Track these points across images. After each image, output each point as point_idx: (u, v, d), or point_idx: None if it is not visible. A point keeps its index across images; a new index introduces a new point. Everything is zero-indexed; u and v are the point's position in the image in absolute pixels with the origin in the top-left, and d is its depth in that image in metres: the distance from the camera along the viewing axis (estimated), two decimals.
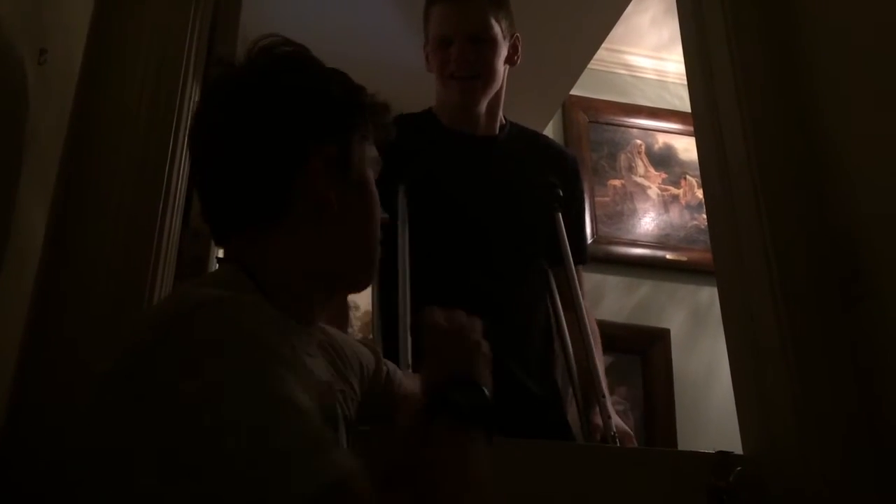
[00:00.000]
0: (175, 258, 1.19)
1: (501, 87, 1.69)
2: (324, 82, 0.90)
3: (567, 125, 3.33)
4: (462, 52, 1.59)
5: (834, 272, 1.23)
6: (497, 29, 1.62)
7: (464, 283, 1.52)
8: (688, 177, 3.40)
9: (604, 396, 1.49)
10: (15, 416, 0.95)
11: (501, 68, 1.66)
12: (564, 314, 1.67)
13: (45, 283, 1.03)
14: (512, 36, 1.67)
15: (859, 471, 1.11)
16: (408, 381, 1.10)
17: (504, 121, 1.74)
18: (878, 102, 1.21)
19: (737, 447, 1.24)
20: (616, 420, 1.49)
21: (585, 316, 1.59)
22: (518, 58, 1.70)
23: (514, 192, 1.66)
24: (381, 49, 2.69)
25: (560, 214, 1.65)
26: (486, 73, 1.62)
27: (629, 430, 1.52)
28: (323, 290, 0.88)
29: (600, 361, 1.58)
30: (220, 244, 0.90)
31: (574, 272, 1.63)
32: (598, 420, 1.48)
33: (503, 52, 1.65)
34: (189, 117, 1.21)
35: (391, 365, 1.10)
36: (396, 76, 2.85)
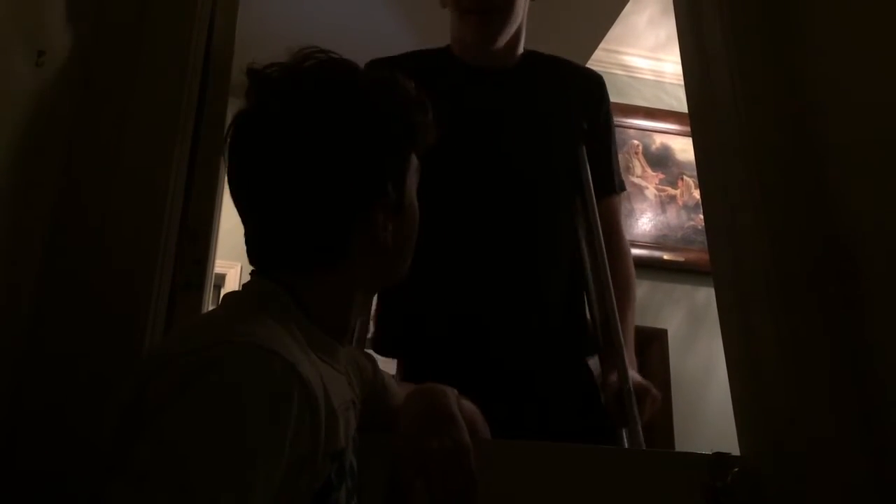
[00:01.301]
0: (173, 260, 1.19)
1: (522, 23, 1.58)
2: (386, 120, 0.88)
3: None
4: None
5: (831, 273, 1.23)
6: None
7: (475, 228, 1.44)
8: (685, 177, 3.40)
9: (621, 348, 1.40)
10: (11, 422, 0.96)
11: (522, 2, 1.55)
12: (589, 257, 1.54)
13: (44, 286, 1.03)
14: None
15: (856, 471, 1.12)
16: (402, 391, 1.10)
17: (522, 51, 1.62)
18: (878, 103, 1.21)
19: (734, 447, 1.24)
20: (633, 374, 1.39)
21: (605, 257, 1.48)
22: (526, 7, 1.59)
23: (533, 126, 1.55)
24: (377, 51, 2.69)
25: (583, 146, 1.55)
26: (506, 7, 1.51)
27: (646, 383, 1.41)
28: (364, 306, 0.92)
29: (628, 311, 1.49)
30: (260, 269, 0.88)
31: (593, 205, 1.52)
32: (614, 375, 1.41)
33: None
34: (187, 117, 1.21)
35: (386, 375, 1.09)
36: None
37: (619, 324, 1.44)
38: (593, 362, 1.55)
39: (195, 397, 0.65)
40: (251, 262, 0.89)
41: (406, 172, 0.90)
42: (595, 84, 1.69)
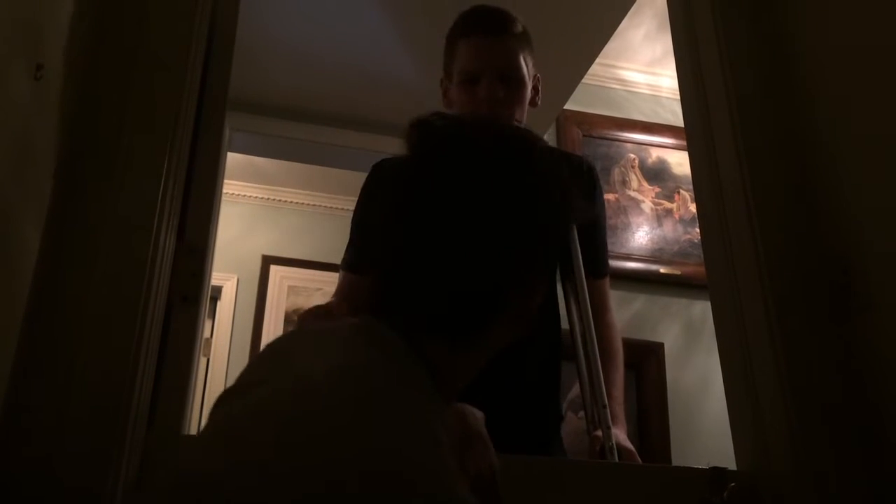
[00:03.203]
0: (169, 274, 1.19)
1: (525, 114, 1.65)
2: (562, 207, 0.87)
3: (561, 139, 3.34)
4: (492, 90, 1.54)
5: (827, 285, 1.23)
6: (525, 69, 1.58)
7: None
8: (681, 191, 3.41)
9: (604, 407, 1.46)
10: (6, 429, 0.95)
11: (526, 109, 1.62)
12: (578, 325, 1.64)
13: (40, 298, 1.02)
14: (534, 77, 1.64)
15: (854, 485, 1.11)
16: None
17: None
18: (874, 115, 1.21)
19: (731, 461, 1.23)
20: (620, 435, 1.47)
21: (592, 325, 1.56)
22: (539, 99, 1.66)
23: None
24: (374, 59, 2.70)
25: (575, 230, 1.61)
26: (514, 113, 1.59)
27: (632, 448, 1.49)
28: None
29: (615, 374, 1.57)
30: (388, 319, 0.81)
31: (583, 285, 1.60)
32: (599, 432, 1.47)
33: (528, 93, 1.61)
34: (185, 126, 1.21)
35: None
36: (389, 86, 2.86)
37: (602, 383, 1.52)
38: (580, 421, 1.68)
39: None
40: (379, 310, 0.82)
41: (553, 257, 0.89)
42: (587, 171, 1.76)
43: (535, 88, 1.65)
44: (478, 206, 0.80)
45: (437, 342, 0.79)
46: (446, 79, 1.66)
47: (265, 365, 0.82)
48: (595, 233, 1.70)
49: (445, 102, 1.68)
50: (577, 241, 1.62)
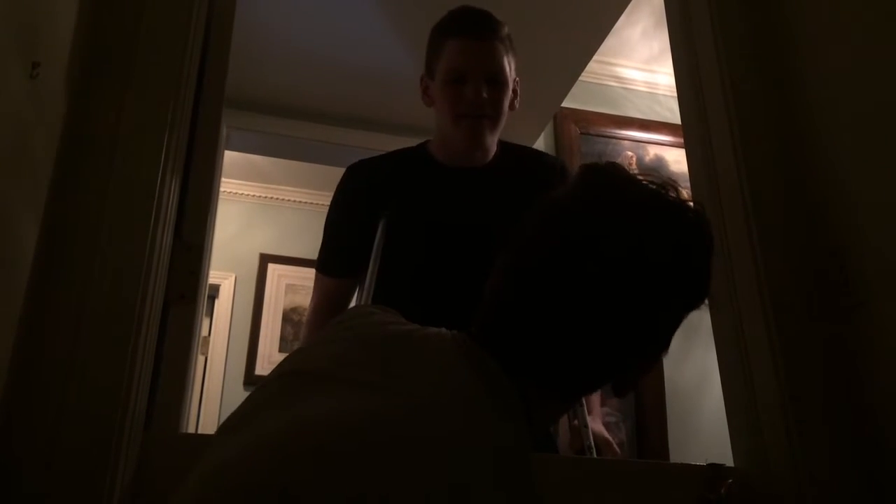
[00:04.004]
0: (167, 272, 1.19)
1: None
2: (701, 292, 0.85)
3: (559, 137, 3.34)
4: (477, 92, 1.57)
5: (824, 283, 1.24)
6: (508, 71, 1.61)
7: (442, 310, 1.52)
8: (678, 188, 3.41)
9: (581, 406, 1.48)
10: (3, 428, 0.95)
11: (506, 111, 1.65)
12: None
13: (37, 297, 1.02)
14: (514, 80, 1.66)
15: (850, 483, 1.12)
16: None
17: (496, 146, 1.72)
18: (872, 111, 1.21)
19: (728, 458, 1.24)
20: (596, 427, 1.48)
21: None
22: (518, 103, 1.69)
23: (502, 220, 1.64)
24: (372, 57, 2.70)
25: None
26: (498, 115, 1.62)
27: (609, 438, 1.51)
28: None
29: None
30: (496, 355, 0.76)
31: None
32: (576, 422, 1.49)
33: (510, 95, 1.64)
34: (182, 124, 1.21)
35: None
36: (387, 84, 2.86)
37: None
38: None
39: None
40: (488, 337, 0.77)
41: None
42: (559, 171, 1.76)
43: (514, 91, 1.67)
44: (640, 283, 0.76)
45: (542, 392, 0.76)
46: (427, 76, 1.68)
47: (357, 357, 0.77)
48: None
49: (426, 100, 1.70)
50: None
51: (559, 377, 0.77)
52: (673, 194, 0.81)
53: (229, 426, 0.73)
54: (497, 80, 1.59)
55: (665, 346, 0.82)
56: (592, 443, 1.43)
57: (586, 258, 0.76)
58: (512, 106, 1.67)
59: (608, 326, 0.76)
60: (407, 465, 0.60)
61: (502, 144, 1.74)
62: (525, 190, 1.68)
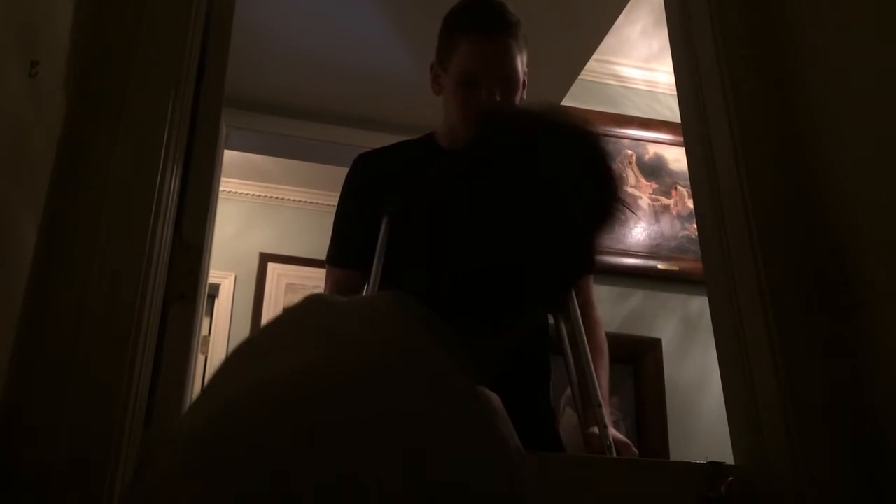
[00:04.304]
0: (167, 271, 1.19)
1: None
2: (612, 218, 0.87)
3: None
4: (491, 97, 1.55)
5: (824, 283, 1.24)
6: (521, 70, 1.60)
7: None
8: (678, 187, 3.41)
9: (599, 406, 1.47)
10: (3, 429, 0.95)
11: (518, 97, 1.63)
12: (565, 324, 1.65)
13: (36, 297, 1.02)
14: (524, 72, 1.64)
15: (849, 482, 1.12)
16: None
17: None
18: (872, 109, 1.21)
19: (728, 456, 1.24)
20: (613, 430, 1.47)
21: (581, 324, 1.57)
22: (524, 95, 1.67)
23: None
24: (371, 56, 2.70)
25: None
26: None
27: (626, 440, 1.50)
28: None
29: (603, 371, 1.58)
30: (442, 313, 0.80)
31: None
32: (595, 430, 1.47)
33: (521, 93, 1.63)
34: (181, 123, 1.21)
35: None
36: (386, 83, 2.86)
37: (596, 382, 1.52)
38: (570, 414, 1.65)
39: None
40: (414, 290, 0.81)
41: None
42: None
43: (523, 83, 1.65)
44: (519, 187, 0.81)
45: (470, 324, 0.79)
46: (438, 65, 1.65)
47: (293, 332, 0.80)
48: None
49: (435, 88, 1.68)
50: None
51: (484, 307, 0.80)
52: (562, 116, 0.87)
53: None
54: (510, 82, 1.57)
55: (579, 259, 0.85)
56: (612, 442, 1.42)
57: (477, 186, 0.82)
58: (520, 97, 1.65)
59: (499, 231, 0.80)
60: (352, 399, 0.64)
61: None
62: None
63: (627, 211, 0.88)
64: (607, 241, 1.07)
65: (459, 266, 0.81)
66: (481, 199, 0.81)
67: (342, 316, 0.79)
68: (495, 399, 0.81)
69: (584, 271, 0.85)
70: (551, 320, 1.66)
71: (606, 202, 0.86)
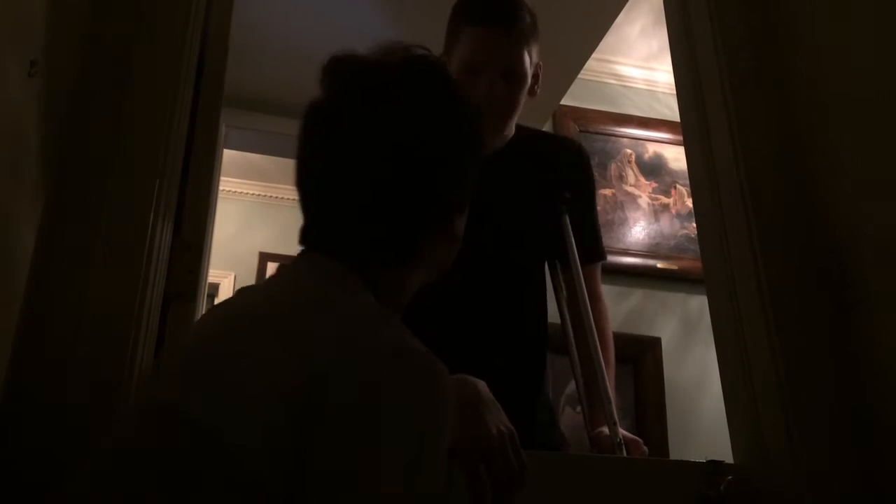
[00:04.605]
0: (166, 270, 1.19)
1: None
2: (474, 122, 0.93)
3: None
4: (492, 87, 1.52)
5: (824, 281, 1.24)
6: (528, 63, 1.55)
7: (454, 295, 1.48)
8: (678, 186, 3.41)
9: (610, 403, 1.45)
10: (3, 427, 0.95)
11: (523, 101, 1.60)
12: (572, 318, 1.63)
13: (35, 296, 1.02)
14: (535, 65, 1.61)
15: (849, 480, 1.12)
16: None
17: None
18: (872, 107, 1.21)
19: (728, 454, 1.24)
20: (622, 430, 1.46)
21: (591, 318, 1.55)
22: (538, 88, 1.64)
23: (519, 204, 1.62)
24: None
25: (567, 216, 1.61)
26: (512, 110, 1.58)
27: (636, 437, 1.48)
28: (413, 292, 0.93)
29: (609, 367, 1.55)
30: (325, 252, 0.89)
31: (579, 275, 1.59)
32: (604, 429, 1.46)
33: (527, 87, 1.59)
34: (180, 123, 1.21)
35: None
36: None
37: (606, 380, 1.50)
38: (579, 416, 1.66)
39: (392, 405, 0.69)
40: (309, 242, 0.92)
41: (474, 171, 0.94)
42: (575, 153, 1.75)
43: (535, 76, 1.61)
44: (389, 121, 0.86)
45: (372, 263, 0.85)
46: (445, 54, 1.62)
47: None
48: (584, 216, 1.67)
49: None
50: (570, 228, 1.60)
51: (363, 234, 0.86)
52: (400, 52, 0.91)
53: None
54: (514, 74, 1.54)
55: (449, 184, 0.90)
56: (622, 440, 1.41)
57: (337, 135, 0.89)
58: (532, 92, 1.62)
59: (374, 167, 0.86)
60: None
61: (517, 128, 1.69)
62: (537, 172, 1.66)
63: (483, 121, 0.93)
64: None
65: (335, 201, 0.88)
66: (361, 132, 0.87)
67: (259, 290, 0.91)
68: (478, 383, 0.90)
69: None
70: (556, 320, 1.65)
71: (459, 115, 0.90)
